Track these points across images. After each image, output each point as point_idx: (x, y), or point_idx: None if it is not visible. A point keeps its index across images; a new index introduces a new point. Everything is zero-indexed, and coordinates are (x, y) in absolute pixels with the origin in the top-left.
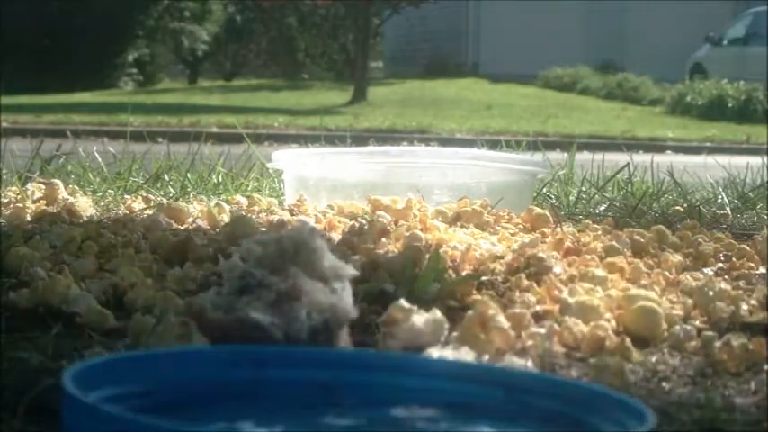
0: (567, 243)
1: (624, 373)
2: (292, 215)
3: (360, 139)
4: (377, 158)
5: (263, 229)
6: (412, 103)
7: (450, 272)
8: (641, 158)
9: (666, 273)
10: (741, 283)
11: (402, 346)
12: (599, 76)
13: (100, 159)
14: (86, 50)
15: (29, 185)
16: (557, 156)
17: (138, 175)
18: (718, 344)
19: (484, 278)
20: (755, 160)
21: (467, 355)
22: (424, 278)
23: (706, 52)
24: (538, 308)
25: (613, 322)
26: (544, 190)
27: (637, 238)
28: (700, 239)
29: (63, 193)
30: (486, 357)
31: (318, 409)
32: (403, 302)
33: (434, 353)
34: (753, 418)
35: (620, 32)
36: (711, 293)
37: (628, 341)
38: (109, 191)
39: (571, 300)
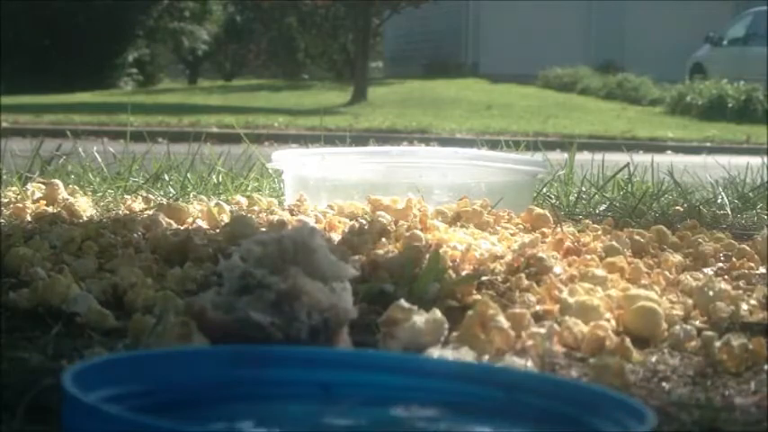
0: (567, 243)
1: (624, 373)
2: (292, 215)
3: (360, 139)
4: (377, 158)
5: (263, 229)
6: (412, 103)
7: (450, 272)
8: (641, 158)
9: (666, 273)
10: (741, 283)
11: (402, 346)
12: (599, 76)
13: (100, 159)
14: (86, 50)
15: (29, 185)
16: (557, 156)
17: (138, 175)
18: (718, 344)
19: (484, 278)
20: (755, 160)
21: (467, 355)
22: (424, 278)
23: (706, 52)
24: (538, 308)
25: (613, 322)
26: (544, 190)
27: (637, 238)
28: (700, 239)
29: (63, 193)
30: (486, 357)
31: (318, 409)
32: (403, 302)
33: (434, 353)
34: (753, 418)
35: (620, 32)
36: (711, 293)
37: (628, 341)
38: (109, 191)
39: (571, 300)
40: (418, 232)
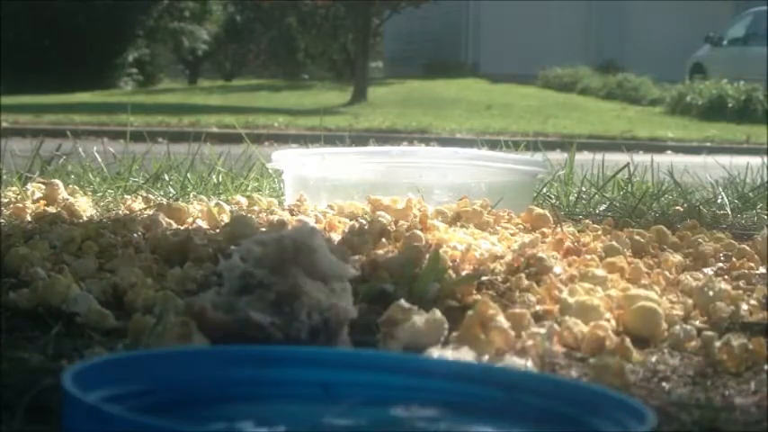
0: (567, 243)
1: (624, 373)
2: (292, 215)
3: (360, 139)
4: (377, 158)
5: (263, 229)
6: (412, 103)
7: (450, 272)
8: (641, 158)
9: (666, 273)
10: (741, 283)
11: (402, 346)
12: (599, 76)
13: (100, 159)
14: (86, 50)
15: (29, 185)
16: (557, 156)
17: (138, 175)
18: (718, 344)
19: (484, 278)
20: (755, 160)
21: (467, 355)
22: (424, 278)
23: (706, 52)
24: (538, 308)
25: (613, 322)
26: (544, 190)
27: (637, 238)
28: (700, 239)
29: (63, 193)
30: (486, 357)
31: (318, 409)
32: (403, 302)
33: (434, 353)
34: (753, 418)
35: (620, 32)
36: (711, 293)
37: (628, 341)
38: (109, 191)
39: (571, 300)
40: (418, 232)
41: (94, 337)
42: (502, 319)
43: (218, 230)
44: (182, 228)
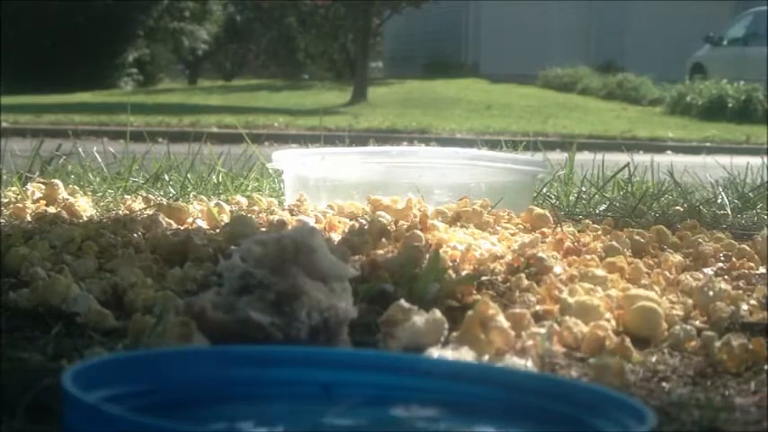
0: (567, 243)
1: (624, 373)
2: (292, 215)
3: (360, 139)
4: (377, 158)
5: (263, 229)
6: (412, 103)
7: (450, 272)
8: (641, 158)
9: (666, 273)
10: (741, 283)
11: (402, 346)
12: (599, 76)
13: (100, 159)
14: (86, 50)
15: (29, 185)
16: (557, 156)
17: (138, 175)
18: (718, 344)
19: (484, 278)
20: (755, 160)
21: (467, 355)
22: (424, 278)
23: (706, 52)
24: (538, 308)
25: (613, 322)
26: (544, 190)
27: (637, 238)
28: (700, 239)
29: (63, 193)
30: (486, 357)
31: (318, 410)
32: (403, 302)
33: (434, 353)
34: (753, 418)
35: (620, 32)
36: (711, 293)
37: (628, 341)
38: (109, 191)
39: (571, 300)
40: (418, 232)
41: (94, 337)
42: (502, 319)
43: (218, 230)
44: (182, 228)
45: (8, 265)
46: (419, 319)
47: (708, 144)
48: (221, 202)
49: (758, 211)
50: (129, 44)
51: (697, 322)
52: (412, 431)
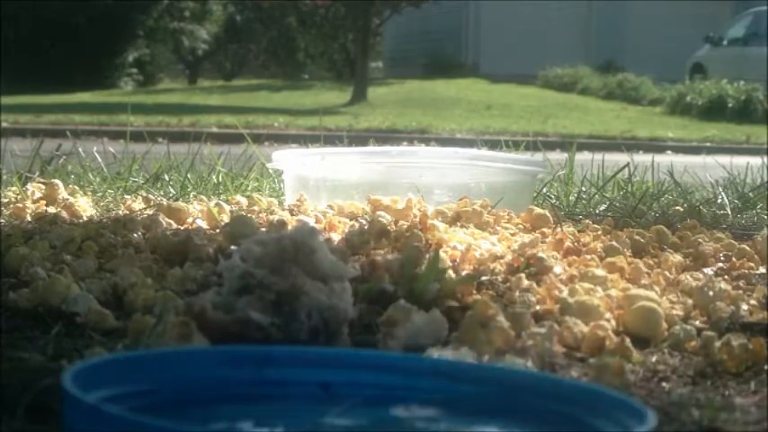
0: (567, 243)
1: (624, 373)
2: (292, 215)
3: (360, 139)
4: (377, 158)
5: (263, 229)
6: (412, 103)
7: (450, 272)
8: (641, 158)
9: (666, 273)
10: (741, 283)
11: (402, 346)
12: (599, 76)
13: (100, 159)
14: (86, 50)
15: (29, 185)
16: (557, 156)
17: (138, 175)
18: (718, 344)
19: (484, 278)
20: (755, 160)
21: (467, 355)
22: (424, 278)
23: (706, 52)
24: (538, 308)
25: (613, 322)
26: (544, 190)
27: (637, 238)
28: (700, 239)
29: (63, 193)
30: (486, 357)
31: (318, 409)
32: (403, 302)
33: (434, 353)
34: (753, 418)
35: (620, 32)
36: (711, 293)
37: (628, 341)
38: (109, 191)
39: (571, 300)
40: (418, 232)
41: (94, 337)
42: (502, 319)
43: (218, 230)
44: (182, 228)
45: (8, 265)
46: (419, 319)
47: (708, 144)
48: (221, 202)
49: (758, 211)
50: (129, 44)
51: (697, 322)
52: (412, 431)
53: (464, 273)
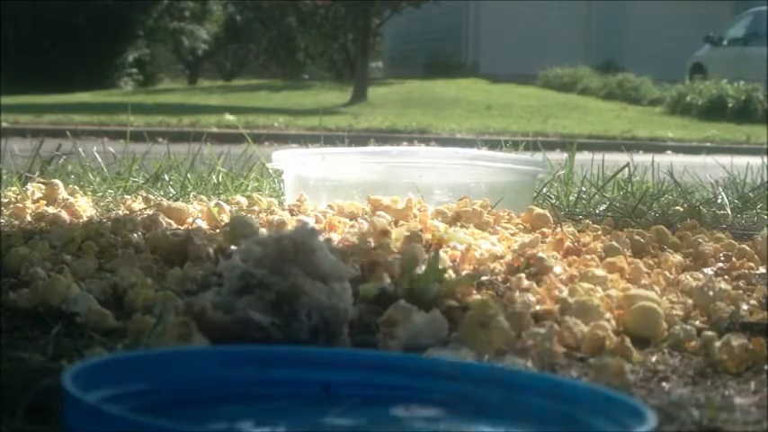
0: (567, 243)
1: (624, 373)
2: (292, 215)
3: (360, 139)
4: (377, 158)
5: (263, 229)
6: (412, 103)
7: (450, 272)
8: (641, 158)
9: (666, 273)
10: (741, 283)
11: (402, 346)
12: (599, 76)
13: (100, 159)
14: (86, 50)
15: (29, 185)
16: (557, 156)
17: (138, 175)
18: (718, 344)
19: (484, 278)
20: (755, 160)
21: (467, 355)
22: (424, 278)
23: (706, 52)
24: (538, 308)
25: (613, 322)
26: (544, 190)
27: (637, 238)
28: (700, 239)
29: (63, 193)
30: (486, 357)
31: (318, 409)
32: (403, 302)
33: (434, 353)
34: (753, 418)
35: (620, 32)
36: (711, 293)
37: (628, 341)
38: (109, 191)
39: (571, 300)
40: (418, 232)
41: (94, 337)
42: (502, 319)
43: (218, 230)
44: (182, 228)
45: (8, 265)
46: (419, 319)
47: (708, 144)
48: (221, 202)
49: (758, 211)
50: (129, 44)
51: (697, 322)
52: (412, 431)
53: (464, 273)
